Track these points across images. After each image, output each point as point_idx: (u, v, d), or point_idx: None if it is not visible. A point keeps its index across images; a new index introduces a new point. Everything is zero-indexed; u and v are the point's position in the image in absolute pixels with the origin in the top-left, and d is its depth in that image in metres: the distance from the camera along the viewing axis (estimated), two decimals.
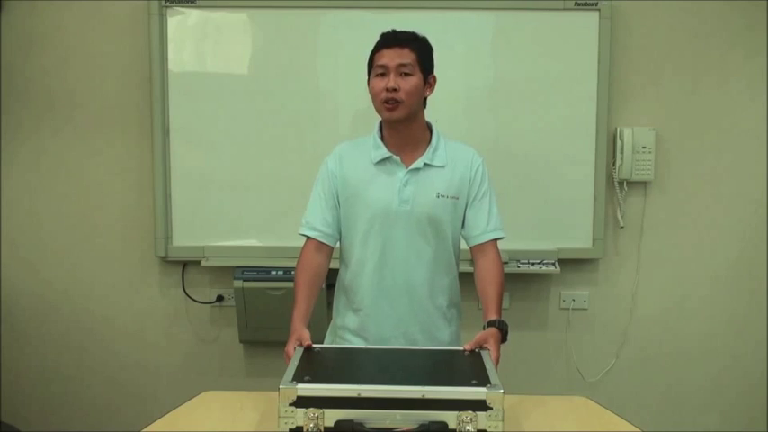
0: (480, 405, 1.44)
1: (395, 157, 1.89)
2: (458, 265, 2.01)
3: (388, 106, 1.83)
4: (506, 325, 1.79)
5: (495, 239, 1.93)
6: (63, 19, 2.69)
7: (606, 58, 2.63)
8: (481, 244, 1.92)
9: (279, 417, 1.44)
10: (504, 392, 1.44)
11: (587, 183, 2.69)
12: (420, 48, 1.86)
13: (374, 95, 1.86)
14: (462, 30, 2.63)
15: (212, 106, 2.66)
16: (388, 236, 1.88)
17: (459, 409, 1.43)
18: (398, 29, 1.89)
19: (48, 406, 2.88)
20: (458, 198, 1.91)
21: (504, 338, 1.77)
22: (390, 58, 1.82)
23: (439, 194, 1.88)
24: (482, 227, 1.92)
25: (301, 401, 1.44)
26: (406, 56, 1.82)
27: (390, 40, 1.84)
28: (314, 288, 1.89)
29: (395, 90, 1.81)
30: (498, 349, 1.72)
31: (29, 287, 2.83)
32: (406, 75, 1.82)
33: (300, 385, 1.45)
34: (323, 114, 2.67)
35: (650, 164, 2.71)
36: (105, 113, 2.73)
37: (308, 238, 1.93)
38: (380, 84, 1.83)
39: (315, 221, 1.93)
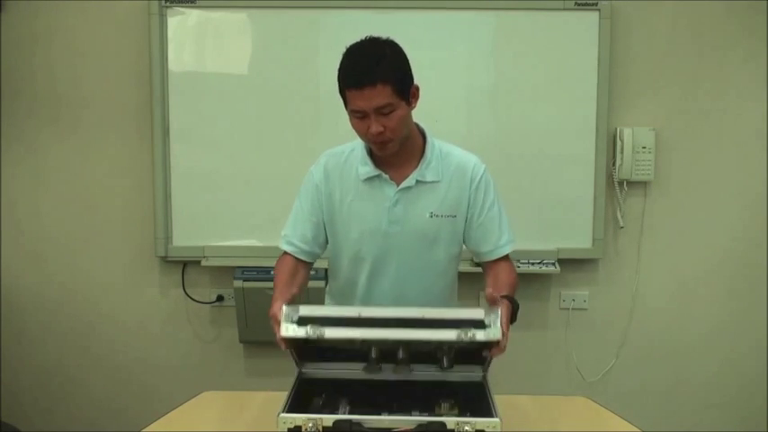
0: (479, 324, 1.48)
1: (384, 175, 1.74)
2: (456, 283, 1.92)
3: (377, 146, 1.68)
4: (518, 304, 1.66)
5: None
6: (63, 19, 2.69)
7: (606, 58, 2.63)
8: (494, 260, 1.80)
9: (278, 416, 1.44)
10: (500, 313, 1.48)
11: (587, 183, 2.69)
12: (392, 73, 1.60)
13: (358, 134, 1.69)
14: (462, 30, 2.62)
15: (212, 106, 2.66)
16: (379, 257, 1.78)
17: (459, 327, 1.46)
18: (365, 36, 1.66)
19: (48, 405, 2.88)
20: (454, 216, 1.77)
21: (513, 318, 1.64)
22: (365, 101, 1.59)
23: (432, 214, 1.75)
24: (494, 242, 1.79)
25: (303, 320, 1.47)
26: (380, 94, 1.58)
27: (359, 79, 1.58)
28: (294, 286, 1.69)
29: (381, 132, 1.62)
30: (508, 321, 1.57)
31: (29, 287, 2.83)
32: (388, 112, 1.61)
33: (303, 306, 1.49)
34: (323, 114, 2.67)
35: (650, 164, 2.71)
36: (105, 113, 2.73)
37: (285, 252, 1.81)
38: (362, 126, 1.64)
39: (293, 236, 1.80)
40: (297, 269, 1.78)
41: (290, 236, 1.80)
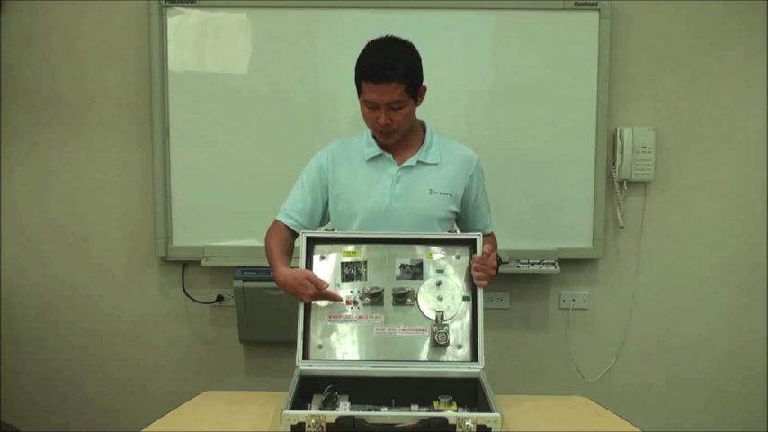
0: (471, 243, 1.77)
1: (387, 154, 1.92)
2: None
3: (382, 135, 1.87)
4: (501, 258, 1.92)
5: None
6: (63, 19, 2.69)
7: (606, 58, 2.63)
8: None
9: (281, 413, 1.45)
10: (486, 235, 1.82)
11: (587, 183, 2.69)
12: (408, 74, 1.80)
13: (366, 122, 1.89)
14: (462, 30, 2.63)
15: (212, 106, 2.66)
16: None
17: (454, 245, 1.78)
18: (386, 35, 1.86)
19: (48, 406, 2.88)
20: (451, 195, 1.94)
21: (497, 262, 1.83)
22: (379, 94, 1.79)
23: (431, 191, 1.92)
24: (483, 222, 2.04)
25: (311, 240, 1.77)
26: (394, 91, 1.78)
27: (377, 74, 1.78)
28: (288, 252, 1.91)
29: (388, 125, 1.83)
30: (492, 249, 1.78)
31: (29, 287, 2.83)
32: (398, 108, 1.81)
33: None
34: (323, 114, 2.67)
35: (650, 164, 2.71)
36: (105, 113, 2.73)
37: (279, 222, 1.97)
38: (372, 115, 1.84)
39: (291, 210, 1.96)
40: (288, 239, 1.94)
41: (289, 209, 1.97)
